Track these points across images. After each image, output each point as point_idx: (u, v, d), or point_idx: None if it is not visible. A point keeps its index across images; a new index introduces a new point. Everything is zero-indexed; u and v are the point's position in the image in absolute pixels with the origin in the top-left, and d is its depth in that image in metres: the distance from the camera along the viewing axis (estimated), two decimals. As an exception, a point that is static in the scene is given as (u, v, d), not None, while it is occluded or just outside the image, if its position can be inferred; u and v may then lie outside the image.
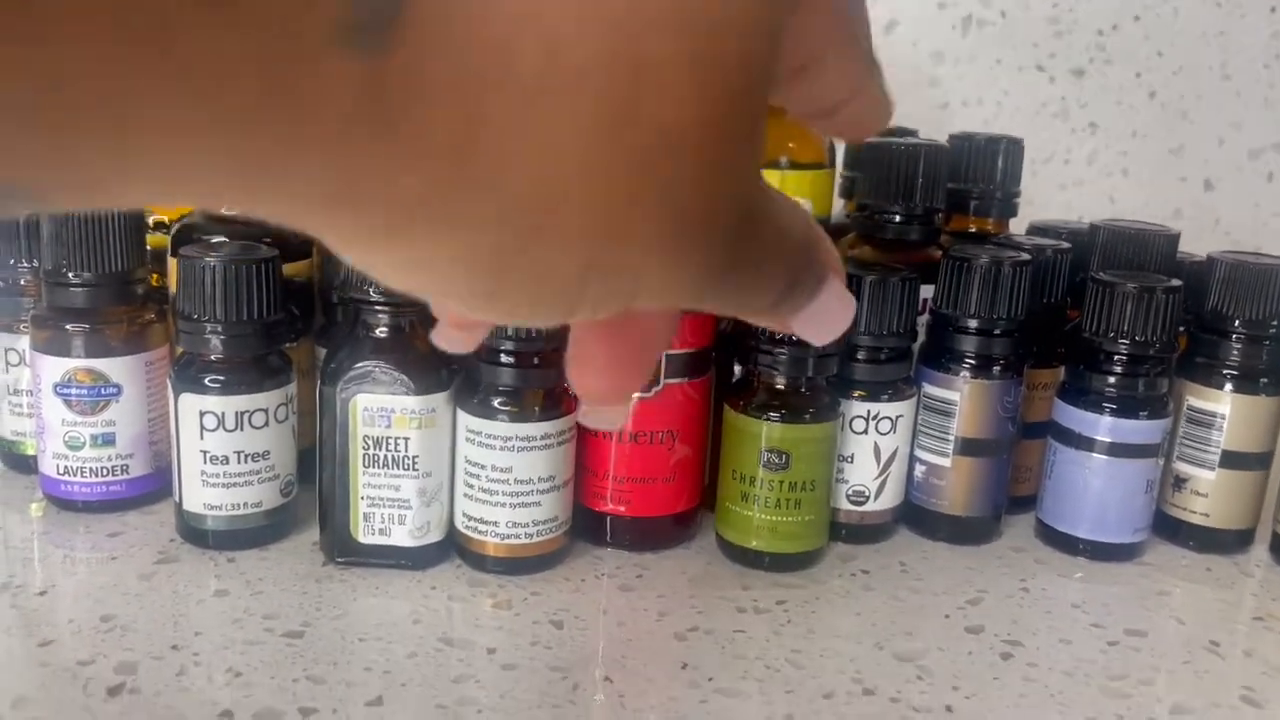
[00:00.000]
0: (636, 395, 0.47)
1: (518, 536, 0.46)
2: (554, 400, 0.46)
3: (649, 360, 0.21)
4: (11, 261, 0.52)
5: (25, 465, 0.53)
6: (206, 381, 0.45)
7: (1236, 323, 0.52)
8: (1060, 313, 0.55)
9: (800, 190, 0.53)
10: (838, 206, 0.60)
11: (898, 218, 0.54)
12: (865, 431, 0.51)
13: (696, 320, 0.48)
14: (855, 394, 0.50)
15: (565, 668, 0.41)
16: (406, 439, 0.45)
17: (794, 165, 0.53)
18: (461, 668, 0.40)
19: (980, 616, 0.46)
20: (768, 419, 0.47)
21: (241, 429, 0.46)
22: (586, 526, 0.49)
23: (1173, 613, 0.48)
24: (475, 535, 0.46)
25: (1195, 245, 0.60)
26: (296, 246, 0.52)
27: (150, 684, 0.38)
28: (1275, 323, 0.51)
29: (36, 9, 0.10)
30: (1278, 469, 0.54)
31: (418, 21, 0.12)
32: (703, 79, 0.14)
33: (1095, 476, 0.51)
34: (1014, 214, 0.61)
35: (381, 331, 0.45)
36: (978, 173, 0.59)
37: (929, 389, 0.52)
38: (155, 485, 0.51)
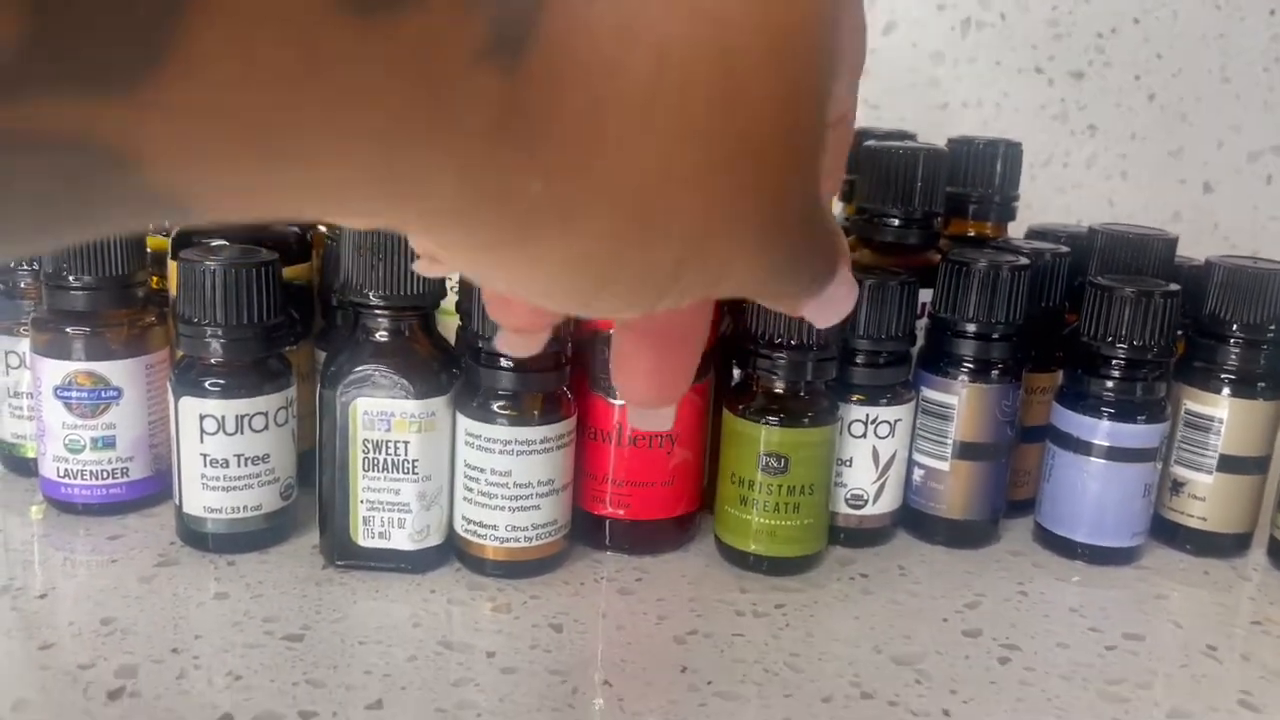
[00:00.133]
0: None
1: (517, 540, 0.46)
2: (553, 404, 0.46)
3: (691, 362, 0.22)
4: (12, 264, 0.52)
5: (25, 468, 0.53)
6: (207, 385, 0.45)
7: (1234, 327, 0.52)
8: (1058, 317, 0.56)
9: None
10: (836, 210, 0.60)
11: (896, 221, 0.54)
12: (864, 435, 0.51)
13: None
14: (854, 398, 0.50)
15: (564, 671, 0.41)
16: (406, 443, 0.45)
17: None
18: (461, 671, 0.40)
19: (978, 620, 0.47)
20: (766, 423, 0.47)
21: (241, 432, 0.46)
22: (586, 530, 0.50)
23: (1170, 617, 0.48)
24: (475, 539, 0.46)
25: (1194, 248, 0.60)
26: (296, 250, 0.52)
27: (150, 687, 0.38)
28: (1273, 327, 0.51)
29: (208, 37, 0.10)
30: (1275, 473, 0.54)
31: (545, 40, 0.13)
32: (783, 82, 0.15)
33: (1093, 480, 0.51)
34: (1013, 218, 0.61)
35: (381, 335, 0.45)
36: (976, 176, 0.59)
37: (927, 393, 0.52)
38: (155, 488, 0.51)
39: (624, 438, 0.48)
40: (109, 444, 0.49)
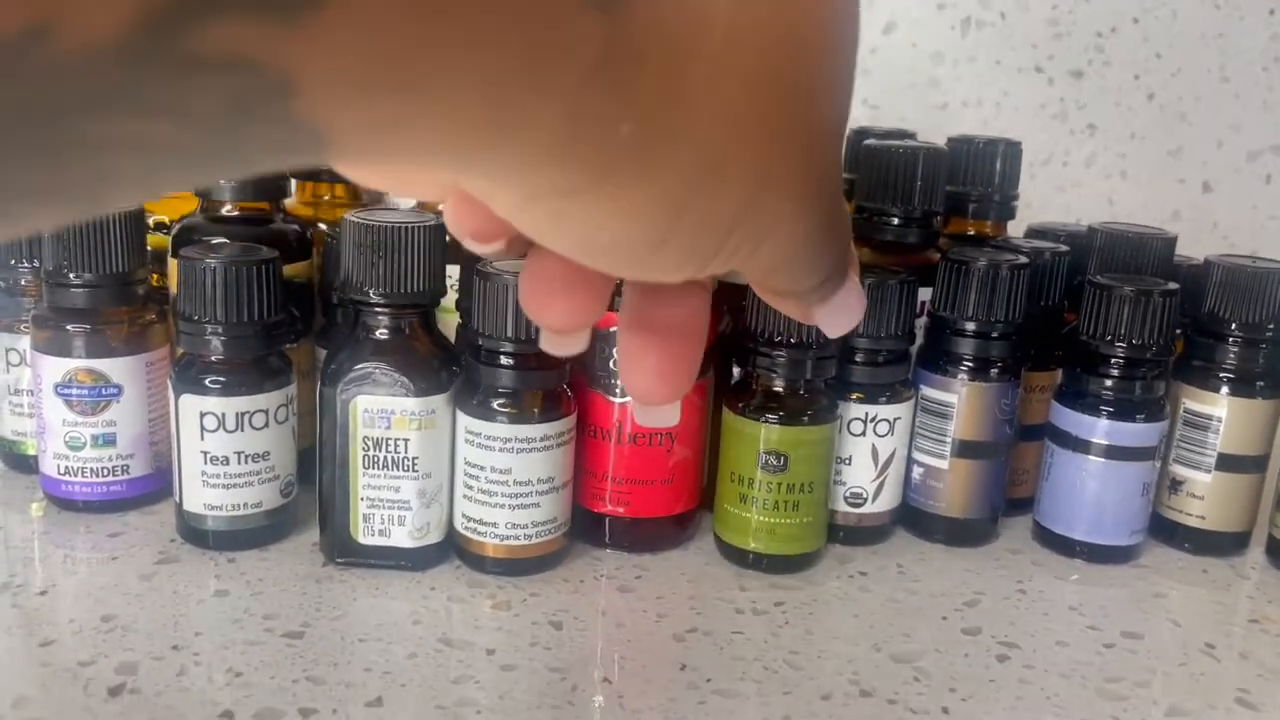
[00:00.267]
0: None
1: (517, 538, 0.46)
2: (553, 402, 0.46)
3: (696, 358, 0.23)
4: (12, 262, 0.52)
5: (26, 465, 0.53)
6: (207, 382, 0.45)
7: (1233, 326, 0.52)
8: (1058, 315, 0.56)
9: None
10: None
11: (896, 220, 0.54)
12: (863, 433, 0.51)
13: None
14: (853, 396, 0.50)
15: (564, 668, 0.41)
16: (406, 440, 0.45)
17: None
18: (461, 668, 0.40)
19: (977, 618, 0.47)
20: (766, 421, 0.47)
21: (242, 430, 0.46)
22: (585, 528, 0.50)
23: (1169, 615, 0.49)
24: (474, 536, 0.46)
25: (1193, 247, 0.60)
26: (296, 248, 0.52)
27: (150, 684, 0.38)
28: (1271, 326, 0.52)
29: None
30: (1274, 472, 0.54)
31: None
32: (837, 50, 0.17)
33: (1092, 479, 0.51)
34: (1012, 216, 0.61)
35: (382, 333, 0.45)
36: (976, 175, 0.59)
37: (927, 391, 0.52)
38: (156, 485, 0.51)
39: (624, 436, 0.48)
40: (109, 441, 0.49)
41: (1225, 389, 0.52)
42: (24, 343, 0.51)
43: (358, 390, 0.44)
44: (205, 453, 0.46)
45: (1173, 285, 0.51)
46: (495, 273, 0.44)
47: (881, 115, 0.83)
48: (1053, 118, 0.86)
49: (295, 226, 0.53)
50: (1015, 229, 0.62)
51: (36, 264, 0.52)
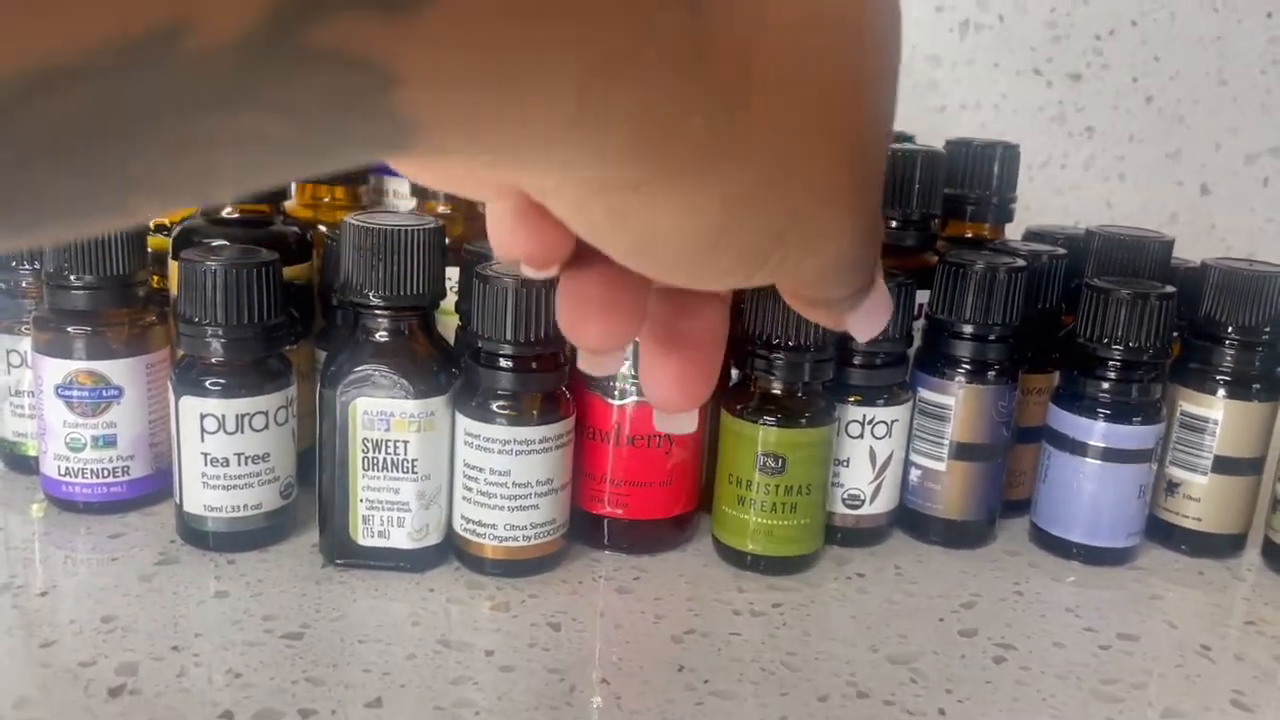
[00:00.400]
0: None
1: (516, 539, 0.46)
2: (552, 404, 0.46)
3: (715, 366, 0.24)
4: (13, 263, 0.53)
5: (26, 466, 0.54)
6: (207, 384, 0.46)
7: (1230, 329, 0.52)
8: (1055, 318, 0.56)
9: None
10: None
11: (894, 223, 0.54)
12: (861, 436, 0.51)
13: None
14: (851, 398, 0.51)
15: (562, 670, 0.41)
16: (405, 442, 0.45)
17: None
18: (460, 669, 0.41)
19: (974, 620, 0.47)
20: (764, 423, 0.47)
21: (242, 431, 0.46)
22: (584, 529, 0.50)
23: (1165, 617, 0.49)
24: (473, 538, 0.47)
25: (1191, 249, 0.60)
26: (296, 250, 0.52)
27: (151, 685, 0.38)
28: (1268, 329, 0.52)
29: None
30: (1270, 474, 0.54)
31: None
32: (889, 65, 0.17)
33: (1089, 481, 0.51)
34: (1010, 219, 0.61)
35: (381, 335, 0.45)
36: (974, 178, 0.59)
37: (924, 394, 0.52)
38: (156, 487, 0.51)
39: (622, 438, 0.49)
40: (110, 443, 0.50)
41: (1222, 392, 0.52)
42: (25, 344, 0.51)
43: (357, 392, 0.44)
44: (205, 454, 0.46)
45: (1169, 288, 0.51)
46: (495, 275, 0.44)
47: (880, 118, 0.83)
48: (1051, 120, 0.86)
49: (295, 229, 0.53)
50: (1013, 231, 0.62)
51: (37, 266, 0.52)
